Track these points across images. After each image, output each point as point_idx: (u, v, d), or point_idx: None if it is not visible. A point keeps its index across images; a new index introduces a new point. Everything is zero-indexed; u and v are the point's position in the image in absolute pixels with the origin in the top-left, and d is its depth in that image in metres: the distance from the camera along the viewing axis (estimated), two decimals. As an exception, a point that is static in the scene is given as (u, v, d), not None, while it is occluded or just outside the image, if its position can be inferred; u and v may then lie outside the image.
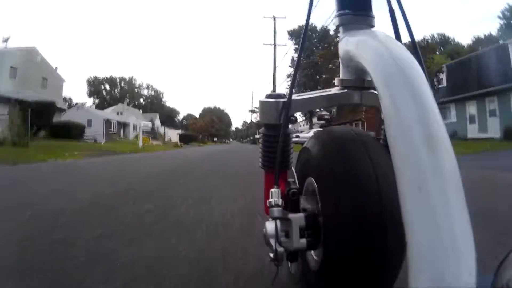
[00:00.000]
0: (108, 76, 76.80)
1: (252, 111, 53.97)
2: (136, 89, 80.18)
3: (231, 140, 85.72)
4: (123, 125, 43.31)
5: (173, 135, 35.95)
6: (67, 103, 49.48)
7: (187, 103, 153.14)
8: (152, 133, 44.62)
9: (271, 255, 0.73)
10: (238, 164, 7.16)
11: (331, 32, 28.75)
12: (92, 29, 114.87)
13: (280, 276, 0.85)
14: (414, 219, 0.40)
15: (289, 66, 35.47)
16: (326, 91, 0.93)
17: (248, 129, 67.22)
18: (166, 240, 1.56)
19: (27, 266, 1.24)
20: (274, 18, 29.42)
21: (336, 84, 0.92)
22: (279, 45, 30.38)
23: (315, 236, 0.75)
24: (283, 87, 30.61)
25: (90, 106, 48.45)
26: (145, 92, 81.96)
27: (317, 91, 0.97)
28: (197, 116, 79.50)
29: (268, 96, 0.92)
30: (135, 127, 46.31)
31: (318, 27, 35.54)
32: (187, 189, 3.27)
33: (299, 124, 55.66)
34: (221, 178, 4.18)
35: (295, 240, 0.74)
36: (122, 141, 27.97)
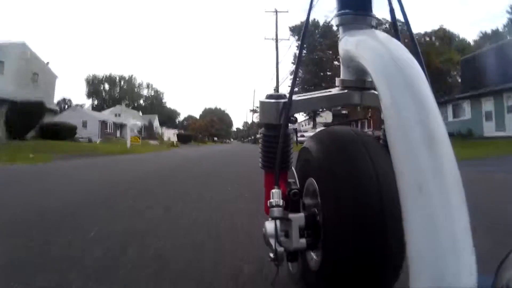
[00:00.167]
0: (108, 75, 75.72)
1: (254, 111, 52.81)
2: (136, 89, 79.06)
3: (231, 140, 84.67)
4: (120, 126, 42.44)
5: (172, 135, 34.62)
6: (66, 105, 48.41)
7: (188, 105, 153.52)
8: (150, 134, 43.50)
9: (271, 255, 0.73)
10: (239, 173, 5.16)
11: (334, 27, 27.44)
12: (92, 28, 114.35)
13: (280, 276, 0.84)
14: (414, 219, 0.39)
15: (292, 62, 34.16)
16: (326, 92, 0.93)
17: (249, 129, 65.96)
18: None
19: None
20: (276, 12, 28.22)
21: (336, 85, 0.91)
22: (281, 39, 29.11)
23: (315, 236, 0.76)
24: (285, 84, 29.35)
25: (82, 106, 47.22)
26: (145, 92, 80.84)
27: (318, 92, 0.97)
28: (198, 117, 78.18)
29: (269, 97, 0.93)
30: (132, 129, 45.27)
31: (321, 22, 34.15)
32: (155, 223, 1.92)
33: (301, 124, 54.83)
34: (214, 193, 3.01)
35: (295, 240, 0.74)
36: (116, 142, 26.61)
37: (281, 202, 0.75)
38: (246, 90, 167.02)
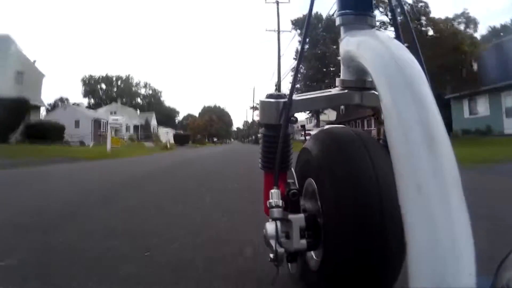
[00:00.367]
0: (104, 75, 74.31)
1: (254, 108, 51.22)
2: (133, 88, 77.64)
3: (232, 140, 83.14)
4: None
5: (166, 135, 32.84)
6: (64, 104, 46.82)
7: (187, 104, 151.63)
8: (147, 134, 41.94)
9: (271, 255, 0.73)
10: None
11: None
12: (89, 27, 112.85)
13: (280, 277, 0.84)
14: (414, 219, 0.39)
15: (293, 58, 32.55)
16: (326, 92, 0.93)
17: (249, 129, 64.33)
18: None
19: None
20: (277, 3, 26.68)
21: (336, 85, 0.91)
22: (283, 31, 27.49)
23: (315, 236, 0.76)
24: (286, 80, 27.82)
25: (79, 105, 45.48)
26: (142, 91, 79.40)
27: (318, 92, 0.97)
28: (197, 116, 76.60)
29: (269, 96, 0.93)
30: (127, 128, 43.66)
31: (324, 15, 32.61)
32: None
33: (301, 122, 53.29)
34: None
35: (295, 240, 0.74)
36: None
37: (280, 203, 0.75)
38: (246, 89, 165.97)
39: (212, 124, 63.23)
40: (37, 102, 23.41)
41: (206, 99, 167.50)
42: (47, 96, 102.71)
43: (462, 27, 17.51)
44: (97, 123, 35.52)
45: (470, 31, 17.38)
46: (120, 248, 1.50)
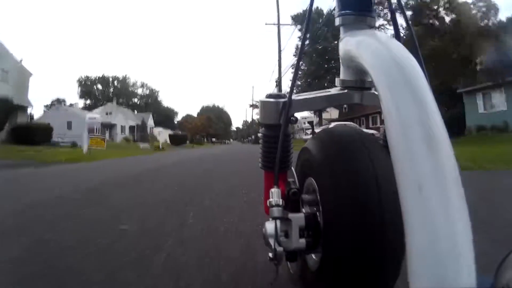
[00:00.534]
0: (100, 76, 73.06)
1: (253, 106, 49.90)
2: (130, 88, 76.37)
3: (231, 140, 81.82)
4: (109, 127, 39.49)
5: (162, 135, 31.37)
6: (54, 105, 45.53)
7: (186, 104, 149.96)
8: (143, 134, 40.60)
9: (271, 255, 0.72)
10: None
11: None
12: (86, 28, 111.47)
13: (279, 276, 0.84)
14: (414, 219, 0.39)
15: (293, 55, 31.22)
16: (326, 91, 0.94)
17: (249, 128, 62.99)
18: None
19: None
20: (277, -2, 25.46)
21: (336, 84, 0.92)
22: (283, 25, 26.18)
23: (314, 236, 0.76)
24: (287, 77, 26.48)
25: (72, 105, 44.03)
26: (139, 91, 78.08)
27: (318, 91, 0.98)
28: (196, 116, 75.15)
29: (269, 96, 0.93)
30: (122, 129, 42.37)
31: (325, 10, 31.37)
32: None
33: (302, 121, 52.17)
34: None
35: (294, 240, 0.74)
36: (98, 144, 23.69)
37: (280, 202, 0.75)
38: (245, 89, 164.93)
39: (210, 124, 61.65)
40: (22, 102, 22.11)
41: (205, 99, 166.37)
42: (44, 97, 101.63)
43: (480, 14, 16.27)
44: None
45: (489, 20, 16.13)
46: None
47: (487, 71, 15.91)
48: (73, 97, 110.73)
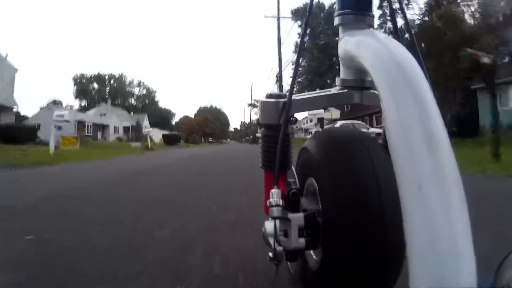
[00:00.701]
0: (96, 74, 71.66)
1: (252, 105, 48.48)
2: (127, 88, 74.99)
3: (228, 140, 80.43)
4: (102, 127, 38.36)
5: (152, 134, 29.80)
6: (56, 107, 44.28)
7: (184, 106, 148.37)
8: (138, 135, 39.22)
9: (270, 254, 0.72)
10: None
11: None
12: (82, 26, 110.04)
13: (279, 276, 0.84)
14: (414, 219, 0.39)
15: (293, 51, 29.93)
16: (326, 91, 0.94)
17: (247, 128, 61.63)
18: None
19: None
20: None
21: (336, 84, 0.92)
22: (283, 17, 24.88)
23: (314, 235, 0.76)
24: (286, 74, 25.18)
25: (66, 106, 42.64)
26: (136, 90, 76.70)
27: (317, 91, 0.98)
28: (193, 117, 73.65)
29: (269, 96, 0.92)
30: (116, 129, 41.05)
31: (326, 4, 30.09)
32: None
33: (301, 122, 51.10)
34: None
35: (294, 239, 0.74)
36: (88, 145, 22.20)
37: (280, 202, 0.75)
38: (243, 90, 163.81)
39: (207, 124, 60.04)
40: (8, 100, 20.81)
41: (203, 101, 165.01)
42: (40, 98, 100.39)
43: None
44: (81, 124, 33.13)
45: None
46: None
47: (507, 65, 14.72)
48: (69, 97, 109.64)
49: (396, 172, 0.43)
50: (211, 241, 1.62)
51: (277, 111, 0.89)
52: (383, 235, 0.63)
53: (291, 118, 0.88)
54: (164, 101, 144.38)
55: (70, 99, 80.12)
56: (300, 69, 29.70)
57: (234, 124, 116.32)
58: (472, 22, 15.30)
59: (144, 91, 77.55)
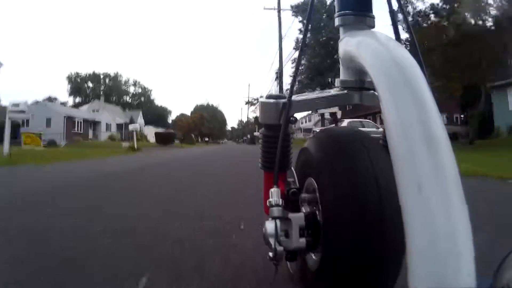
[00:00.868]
0: (91, 72, 70.05)
1: (249, 103, 47.12)
2: (122, 86, 73.49)
3: (225, 140, 78.95)
4: (93, 124, 36.80)
5: (138, 132, 28.16)
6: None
7: (181, 104, 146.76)
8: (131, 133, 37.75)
9: (270, 254, 0.72)
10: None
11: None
12: (76, 23, 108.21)
13: (279, 276, 0.83)
14: (414, 219, 0.39)
15: (294, 48, 28.64)
16: (326, 92, 0.94)
17: (244, 128, 60.22)
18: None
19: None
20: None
21: (336, 85, 0.92)
22: (283, 9, 23.56)
23: (314, 235, 0.76)
24: (287, 69, 23.86)
25: (52, 101, 41.04)
26: (131, 89, 75.20)
27: (317, 92, 1.00)
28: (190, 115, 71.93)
29: (269, 97, 0.92)
30: (108, 127, 39.60)
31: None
32: None
33: (300, 121, 50.01)
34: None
35: (295, 239, 0.74)
36: (78, 144, 20.80)
37: (280, 201, 0.75)
38: (241, 90, 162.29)
39: (202, 122, 58.48)
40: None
41: (199, 99, 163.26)
42: (36, 95, 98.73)
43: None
44: (70, 121, 31.68)
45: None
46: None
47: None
48: (64, 94, 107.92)
49: (396, 172, 0.43)
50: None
51: (277, 111, 0.90)
52: (382, 235, 0.63)
53: (291, 118, 0.89)
54: (160, 99, 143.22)
55: (65, 97, 78.32)
56: (301, 67, 28.48)
57: (232, 123, 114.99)
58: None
59: (140, 90, 76.11)
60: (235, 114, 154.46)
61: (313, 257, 0.81)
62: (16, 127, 19.37)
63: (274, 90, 30.24)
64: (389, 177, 0.54)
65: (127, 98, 74.38)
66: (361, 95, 0.85)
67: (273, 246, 0.70)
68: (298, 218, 0.75)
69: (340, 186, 0.69)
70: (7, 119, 8.27)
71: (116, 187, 3.50)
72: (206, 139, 59.41)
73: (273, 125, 0.91)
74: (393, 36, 0.71)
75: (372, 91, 0.84)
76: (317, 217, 0.76)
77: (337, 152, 0.74)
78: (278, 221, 0.72)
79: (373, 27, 0.80)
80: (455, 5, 15.58)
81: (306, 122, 49.11)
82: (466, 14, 14.92)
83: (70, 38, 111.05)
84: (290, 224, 0.74)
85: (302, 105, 0.92)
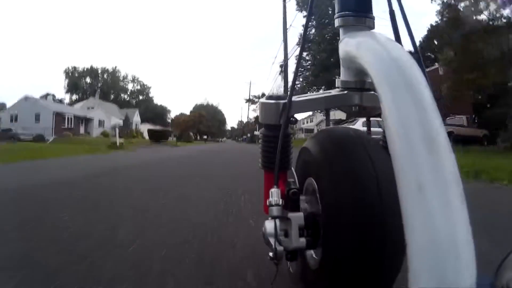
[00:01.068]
0: (89, 67, 68.54)
1: (250, 100, 45.59)
2: (120, 82, 71.94)
3: (225, 139, 77.45)
4: (84, 120, 35.34)
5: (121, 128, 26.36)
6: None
7: (181, 103, 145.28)
8: (127, 130, 36.37)
9: (271, 254, 0.72)
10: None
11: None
12: (75, 17, 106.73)
13: (279, 275, 0.83)
14: (414, 218, 0.39)
15: (297, 44, 27.04)
16: (326, 93, 0.94)
17: (244, 127, 58.67)
18: None
19: None
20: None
21: (336, 86, 0.92)
22: None
23: (314, 235, 0.76)
24: (291, 62, 22.37)
25: (46, 98, 39.51)
26: (130, 86, 73.68)
27: (317, 93, 1.00)
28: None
29: (269, 97, 0.93)
30: (101, 123, 38.11)
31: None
32: None
33: (301, 121, 49.07)
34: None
35: (294, 239, 0.74)
36: (68, 141, 19.21)
37: (280, 201, 0.75)
38: (241, 91, 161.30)
39: (201, 120, 56.72)
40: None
41: (200, 98, 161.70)
42: (34, 91, 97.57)
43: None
44: (59, 116, 30.28)
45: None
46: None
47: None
48: (62, 91, 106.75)
49: (396, 172, 0.43)
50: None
51: (277, 112, 0.90)
52: (382, 235, 0.63)
53: (291, 119, 0.89)
54: (160, 99, 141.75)
55: (63, 94, 76.85)
56: (308, 63, 27.08)
57: (231, 123, 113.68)
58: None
59: (138, 87, 74.58)
60: (235, 115, 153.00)
61: (314, 256, 0.81)
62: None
63: (277, 86, 28.66)
64: (389, 177, 0.54)
65: (126, 96, 72.89)
66: (361, 96, 0.86)
67: (273, 245, 0.71)
68: (297, 217, 0.75)
69: (340, 186, 0.69)
70: None
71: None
72: (205, 137, 57.59)
73: (273, 125, 0.92)
74: (393, 36, 0.72)
75: (372, 92, 0.84)
76: (317, 217, 0.77)
77: (337, 152, 0.74)
78: (277, 221, 0.73)
79: (373, 28, 0.81)
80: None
81: (308, 122, 47.69)
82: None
83: (70, 38, 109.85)
84: (289, 224, 0.74)
85: (302, 105, 0.92)
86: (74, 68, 68.56)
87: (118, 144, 13.14)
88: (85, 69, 68.92)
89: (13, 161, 6.13)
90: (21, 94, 27.16)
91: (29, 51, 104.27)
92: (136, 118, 47.58)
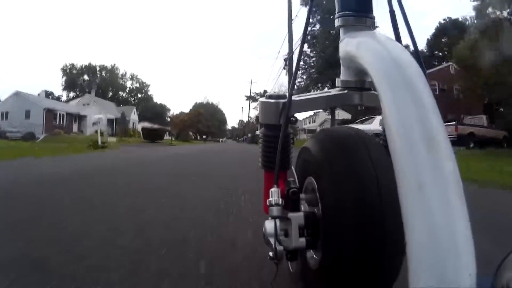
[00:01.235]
0: (87, 64, 67.23)
1: (251, 97, 44.30)
2: (119, 80, 70.61)
3: (225, 139, 76.18)
4: (77, 118, 34.06)
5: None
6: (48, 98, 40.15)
7: (180, 102, 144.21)
8: (123, 129, 35.08)
9: (271, 254, 0.72)
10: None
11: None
12: (75, 15, 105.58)
13: (279, 275, 0.83)
14: (414, 218, 0.39)
15: (300, 39, 25.88)
16: (326, 92, 0.94)
17: (244, 127, 57.35)
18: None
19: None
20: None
21: (336, 85, 0.92)
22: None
23: (314, 235, 0.76)
24: (294, 57, 21.11)
25: (38, 94, 38.15)
26: (129, 84, 72.34)
27: (317, 92, 0.99)
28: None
29: (269, 97, 0.93)
30: (96, 121, 36.80)
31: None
32: None
33: (303, 121, 47.96)
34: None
35: (294, 239, 0.74)
36: (59, 139, 17.93)
37: (280, 201, 0.75)
38: (242, 89, 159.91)
39: (199, 119, 55.20)
40: None
41: (199, 98, 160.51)
42: (32, 88, 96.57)
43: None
44: (50, 113, 28.99)
45: None
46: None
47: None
48: (59, 89, 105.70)
49: (396, 171, 0.43)
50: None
51: (277, 111, 0.90)
52: (383, 234, 0.63)
53: (291, 118, 0.89)
54: (160, 97, 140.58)
55: (60, 91, 75.59)
56: (312, 60, 25.97)
57: (232, 122, 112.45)
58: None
59: (137, 84, 73.26)
60: (236, 114, 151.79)
61: (314, 256, 0.81)
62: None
63: (279, 85, 27.36)
64: (389, 176, 0.54)
65: (124, 94, 71.60)
66: (361, 95, 0.86)
67: (273, 245, 0.71)
68: (297, 217, 0.75)
69: (340, 185, 0.69)
70: None
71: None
72: (204, 136, 56.09)
73: (273, 125, 0.92)
74: (393, 36, 0.72)
75: (372, 91, 0.84)
76: (317, 217, 0.76)
77: (337, 151, 0.74)
78: (277, 221, 0.72)
79: (373, 27, 0.81)
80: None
81: (310, 123, 46.42)
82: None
83: (69, 36, 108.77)
84: (289, 224, 0.74)
85: (302, 105, 0.92)
86: (72, 65, 67.10)
87: (100, 143, 11.44)
88: (83, 66, 67.61)
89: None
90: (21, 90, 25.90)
91: (27, 49, 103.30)
92: (134, 116, 46.19)
